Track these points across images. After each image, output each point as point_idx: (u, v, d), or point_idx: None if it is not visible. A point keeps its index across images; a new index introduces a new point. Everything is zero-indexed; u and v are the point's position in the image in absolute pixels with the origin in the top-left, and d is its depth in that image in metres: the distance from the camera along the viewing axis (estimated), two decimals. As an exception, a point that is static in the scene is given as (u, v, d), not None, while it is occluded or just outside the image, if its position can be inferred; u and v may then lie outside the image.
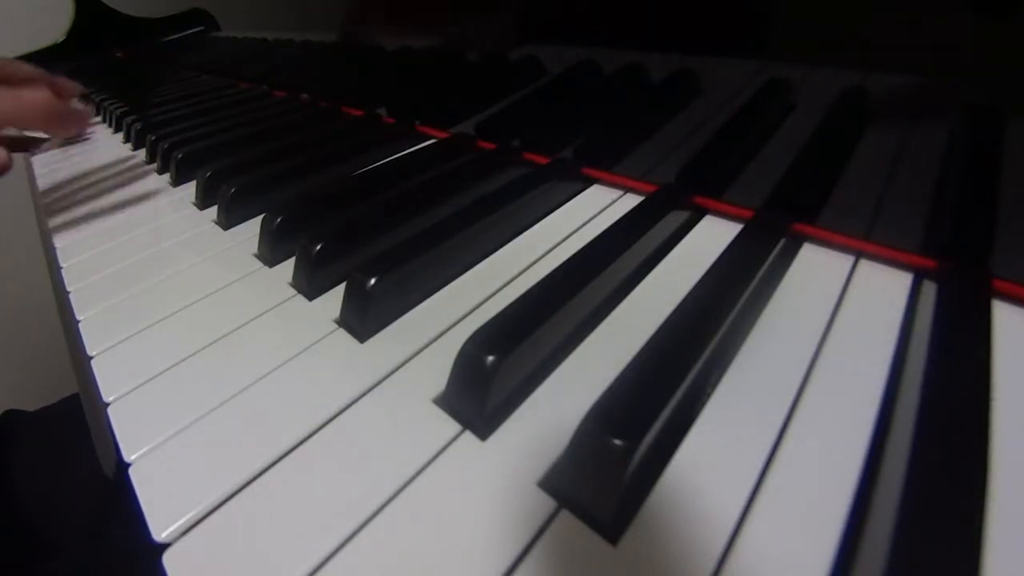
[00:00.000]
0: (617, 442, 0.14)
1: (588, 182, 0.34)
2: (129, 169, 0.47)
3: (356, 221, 0.28)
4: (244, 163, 0.40)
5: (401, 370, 0.21)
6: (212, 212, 0.36)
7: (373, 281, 0.23)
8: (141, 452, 0.18)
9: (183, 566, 0.15)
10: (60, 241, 0.35)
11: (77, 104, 0.43)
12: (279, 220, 0.29)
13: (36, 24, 1.03)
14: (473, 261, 0.27)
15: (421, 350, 0.22)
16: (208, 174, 0.37)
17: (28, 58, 1.01)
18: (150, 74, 0.91)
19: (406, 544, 0.15)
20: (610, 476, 0.14)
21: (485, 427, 0.18)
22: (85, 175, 0.46)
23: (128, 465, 0.18)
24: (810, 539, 0.14)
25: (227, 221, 0.34)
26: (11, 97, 0.36)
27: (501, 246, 0.28)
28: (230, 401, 0.20)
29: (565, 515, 0.15)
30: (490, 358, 0.18)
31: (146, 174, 0.45)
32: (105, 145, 0.57)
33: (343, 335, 0.23)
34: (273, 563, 0.15)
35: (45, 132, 0.41)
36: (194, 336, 0.24)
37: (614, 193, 0.32)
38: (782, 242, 0.25)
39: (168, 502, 0.16)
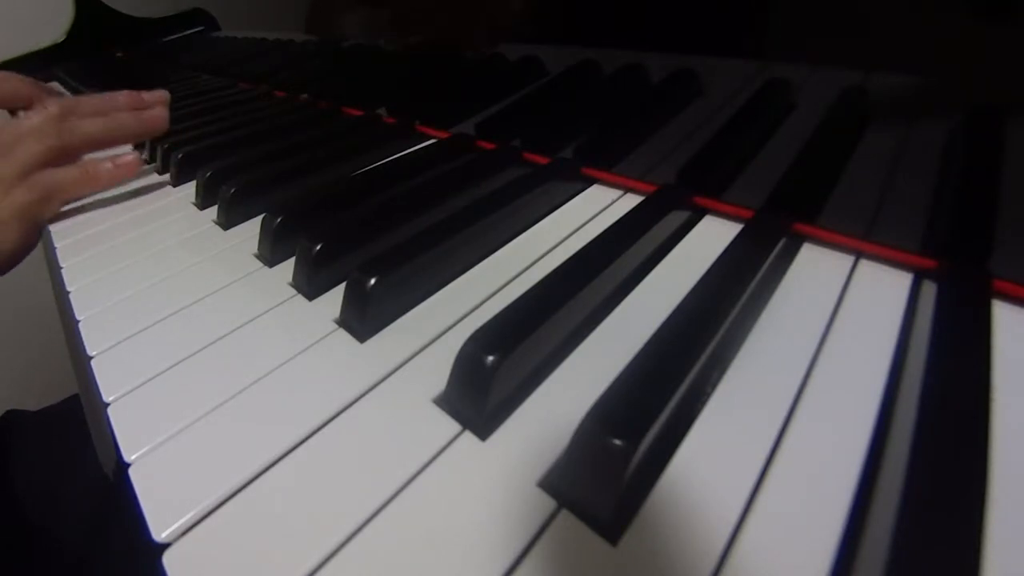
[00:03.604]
0: (617, 442, 0.14)
1: (588, 182, 0.34)
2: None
3: (356, 221, 0.28)
4: (244, 163, 0.40)
5: (401, 370, 0.21)
6: (212, 212, 0.36)
7: (373, 281, 0.23)
8: (141, 452, 0.18)
9: (183, 566, 0.15)
10: (60, 241, 0.35)
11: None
12: (279, 220, 0.29)
13: (36, 24, 1.03)
14: (473, 261, 0.27)
15: (421, 350, 0.22)
16: (208, 174, 0.37)
17: (28, 58, 1.01)
18: (150, 74, 0.91)
19: (406, 544, 0.15)
20: (610, 476, 0.14)
21: (485, 427, 0.18)
22: None
23: (128, 465, 0.18)
24: (810, 539, 0.14)
25: (227, 221, 0.34)
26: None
27: (501, 246, 0.28)
28: (230, 401, 0.20)
29: (565, 515, 0.15)
30: (490, 358, 0.18)
31: (146, 174, 0.45)
32: (105, 145, 0.57)
33: (343, 335, 0.23)
34: (273, 563, 0.15)
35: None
36: (194, 336, 0.24)
37: (614, 193, 0.32)
38: (782, 242, 0.25)
39: (168, 502, 0.16)
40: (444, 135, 0.44)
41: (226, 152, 0.44)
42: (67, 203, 0.39)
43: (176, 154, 0.42)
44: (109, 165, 0.40)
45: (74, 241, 0.35)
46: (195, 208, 0.38)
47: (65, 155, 0.39)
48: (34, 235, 0.38)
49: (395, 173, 0.36)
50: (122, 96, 0.45)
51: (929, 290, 0.22)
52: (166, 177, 0.44)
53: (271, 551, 0.15)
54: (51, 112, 0.40)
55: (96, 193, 0.41)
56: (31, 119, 0.39)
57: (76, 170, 0.39)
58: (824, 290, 0.23)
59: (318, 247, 0.26)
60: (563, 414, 0.18)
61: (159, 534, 0.16)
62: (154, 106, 0.46)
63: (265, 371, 0.21)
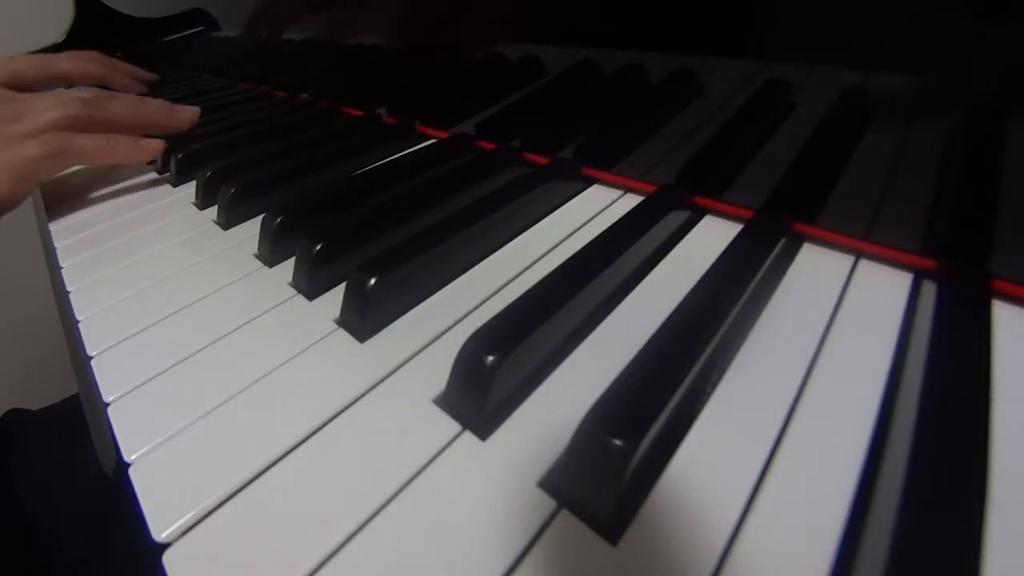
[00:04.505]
0: (617, 442, 0.14)
1: (588, 182, 0.34)
2: (129, 169, 0.47)
3: (356, 221, 0.28)
4: (244, 163, 0.40)
5: (401, 370, 0.21)
6: (212, 212, 0.36)
7: (373, 281, 0.23)
8: (141, 452, 0.18)
9: (183, 566, 0.15)
10: (60, 241, 0.35)
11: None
12: (279, 220, 0.29)
13: (36, 24, 1.03)
14: (473, 261, 0.27)
15: (421, 350, 0.22)
16: (208, 174, 0.37)
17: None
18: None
19: (406, 544, 0.15)
20: (610, 476, 0.14)
21: (485, 427, 0.18)
22: (85, 175, 0.46)
23: (128, 465, 0.18)
24: (810, 539, 0.14)
25: (227, 221, 0.34)
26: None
27: (501, 246, 0.28)
28: (230, 401, 0.20)
29: (565, 515, 0.15)
30: (490, 358, 0.18)
31: (146, 174, 0.45)
32: (105, 145, 0.57)
33: (343, 335, 0.23)
34: (273, 563, 0.15)
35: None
36: (194, 336, 0.24)
37: (614, 193, 0.32)
38: (782, 242, 0.25)
39: (168, 502, 0.16)
40: (444, 135, 0.44)
41: (226, 152, 0.44)
42: (73, 166, 0.39)
43: (176, 154, 0.42)
44: (131, 142, 0.40)
45: (74, 241, 0.35)
46: (195, 208, 0.38)
47: (86, 127, 0.39)
48: (23, 191, 0.37)
49: (395, 173, 0.36)
50: (156, 100, 0.47)
51: (929, 290, 0.22)
52: (166, 177, 0.44)
53: (271, 551, 0.15)
54: (82, 93, 0.41)
55: (111, 162, 0.40)
56: (60, 94, 0.40)
57: (96, 138, 0.38)
58: (824, 290, 0.23)
59: (318, 247, 0.26)
60: (563, 414, 0.18)
61: (159, 534, 0.16)
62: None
63: (265, 371, 0.21)
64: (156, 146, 0.41)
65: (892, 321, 0.21)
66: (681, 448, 0.16)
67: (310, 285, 0.26)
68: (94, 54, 0.66)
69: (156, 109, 0.45)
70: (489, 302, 0.24)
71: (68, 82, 0.62)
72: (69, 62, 0.64)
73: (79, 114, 0.39)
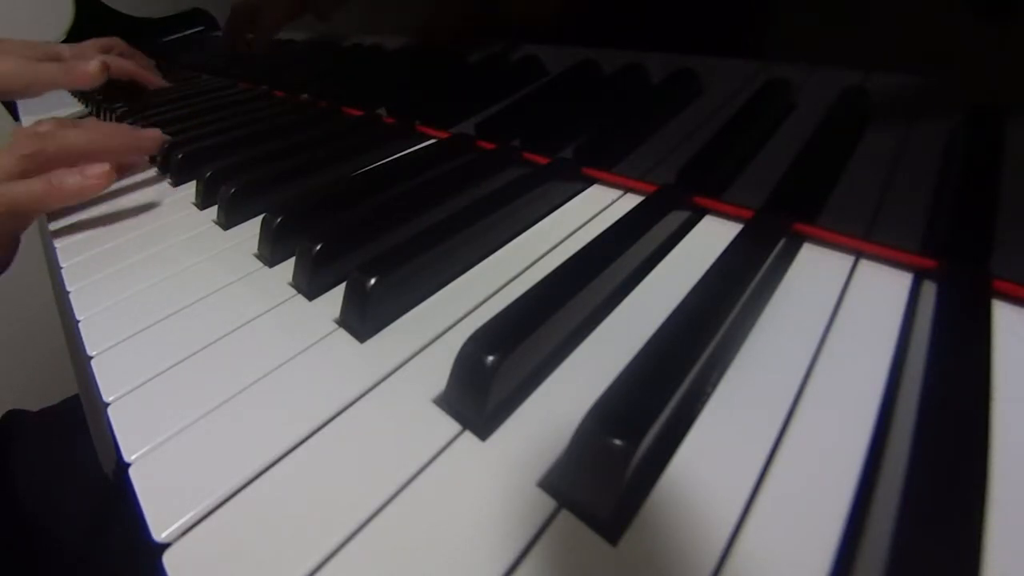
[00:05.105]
0: (617, 442, 0.14)
1: (588, 182, 0.34)
2: (128, 169, 0.47)
3: (356, 221, 0.28)
4: (244, 163, 0.40)
5: (401, 370, 0.21)
6: (212, 212, 0.36)
7: (373, 281, 0.23)
8: (141, 452, 0.18)
9: (183, 566, 0.15)
10: (60, 241, 0.35)
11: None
12: (279, 220, 0.29)
13: (36, 24, 1.03)
14: (473, 261, 0.27)
15: (421, 350, 0.22)
16: (208, 174, 0.37)
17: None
18: (150, 74, 0.90)
19: (406, 544, 0.15)
20: (610, 476, 0.14)
21: (485, 427, 0.18)
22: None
23: (128, 465, 0.18)
24: (810, 539, 0.14)
25: (227, 221, 0.34)
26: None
27: (501, 246, 0.28)
28: (230, 401, 0.20)
29: (565, 515, 0.15)
30: (490, 358, 0.18)
31: (146, 173, 0.45)
32: (105, 145, 0.57)
33: (343, 335, 0.23)
34: (273, 563, 0.15)
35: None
36: (194, 336, 0.24)
37: (614, 193, 0.32)
38: (782, 242, 0.25)
39: (168, 502, 0.16)
40: (444, 135, 0.44)
41: (226, 152, 0.44)
42: (37, 216, 0.37)
43: (176, 154, 0.42)
44: (77, 177, 0.36)
45: (74, 241, 0.35)
46: (195, 208, 0.38)
47: (41, 163, 0.37)
48: (4, 250, 0.35)
49: (395, 173, 0.36)
50: (118, 124, 0.45)
51: (929, 290, 0.22)
52: (166, 177, 0.44)
53: (271, 551, 0.15)
54: (38, 128, 0.38)
55: (67, 205, 0.38)
56: (13, 141, 0.38)
57: (39, 183, 0.35)
58: (824, 290, 0.23)
59: (318, 247, 0.26)
60: (563, 414, 0.18)
61: (159, 534, 0.16)
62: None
63: (265, 371, 0.21)
64: (105, 174, 0.37)
65: (892, 321, 0.21)
66: (681, 448, 0.16)
67: (310, 285, 0.26)
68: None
69: (116, 130, 0.42)
70: (489, 302, 0.24)
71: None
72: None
73: (31, 152, 0.36)
